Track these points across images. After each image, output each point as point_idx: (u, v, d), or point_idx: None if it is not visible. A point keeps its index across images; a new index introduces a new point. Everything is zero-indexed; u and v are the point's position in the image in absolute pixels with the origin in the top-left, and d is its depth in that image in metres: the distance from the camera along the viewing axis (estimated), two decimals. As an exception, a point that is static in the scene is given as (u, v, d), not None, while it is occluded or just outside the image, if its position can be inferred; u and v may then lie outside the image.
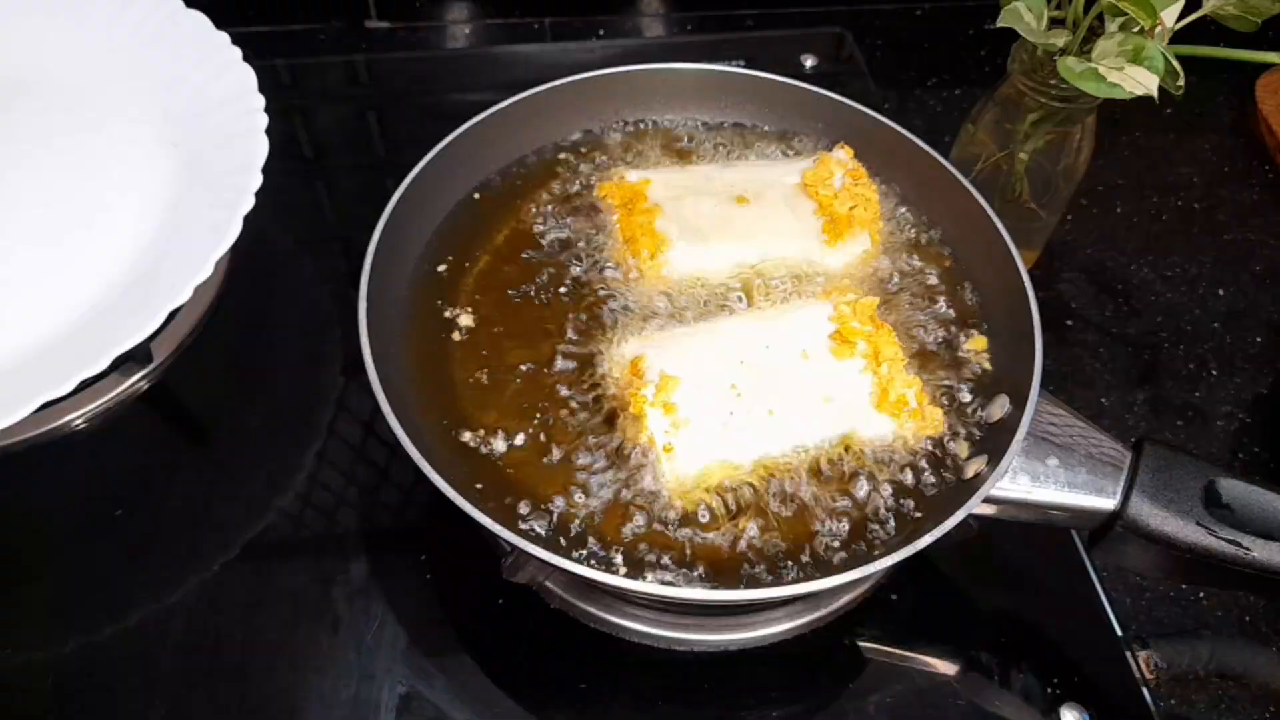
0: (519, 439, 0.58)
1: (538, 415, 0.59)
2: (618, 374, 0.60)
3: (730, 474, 0.56)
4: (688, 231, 0.66)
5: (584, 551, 0.53)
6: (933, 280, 0.67)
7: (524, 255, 0.67)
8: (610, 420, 0.58)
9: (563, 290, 0.65)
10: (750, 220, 0.67)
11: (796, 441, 0.57)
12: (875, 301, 0.61)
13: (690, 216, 0.67)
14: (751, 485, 0.56)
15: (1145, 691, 0.60)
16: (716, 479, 0.56)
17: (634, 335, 0.62)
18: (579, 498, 0.55)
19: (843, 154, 0.70)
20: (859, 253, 0.67)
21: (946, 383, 0.61)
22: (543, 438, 0.58)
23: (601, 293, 0.64)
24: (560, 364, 0.61)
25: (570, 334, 0.63)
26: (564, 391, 0.60)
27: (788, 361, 0.59)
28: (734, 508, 0.55)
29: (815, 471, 0.57)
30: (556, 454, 0.57)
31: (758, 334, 0.61)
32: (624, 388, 0.59)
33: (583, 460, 0.57)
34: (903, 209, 0.71)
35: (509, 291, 0.65)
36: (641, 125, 0.76)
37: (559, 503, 0.55)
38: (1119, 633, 0.62)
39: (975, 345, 0.63)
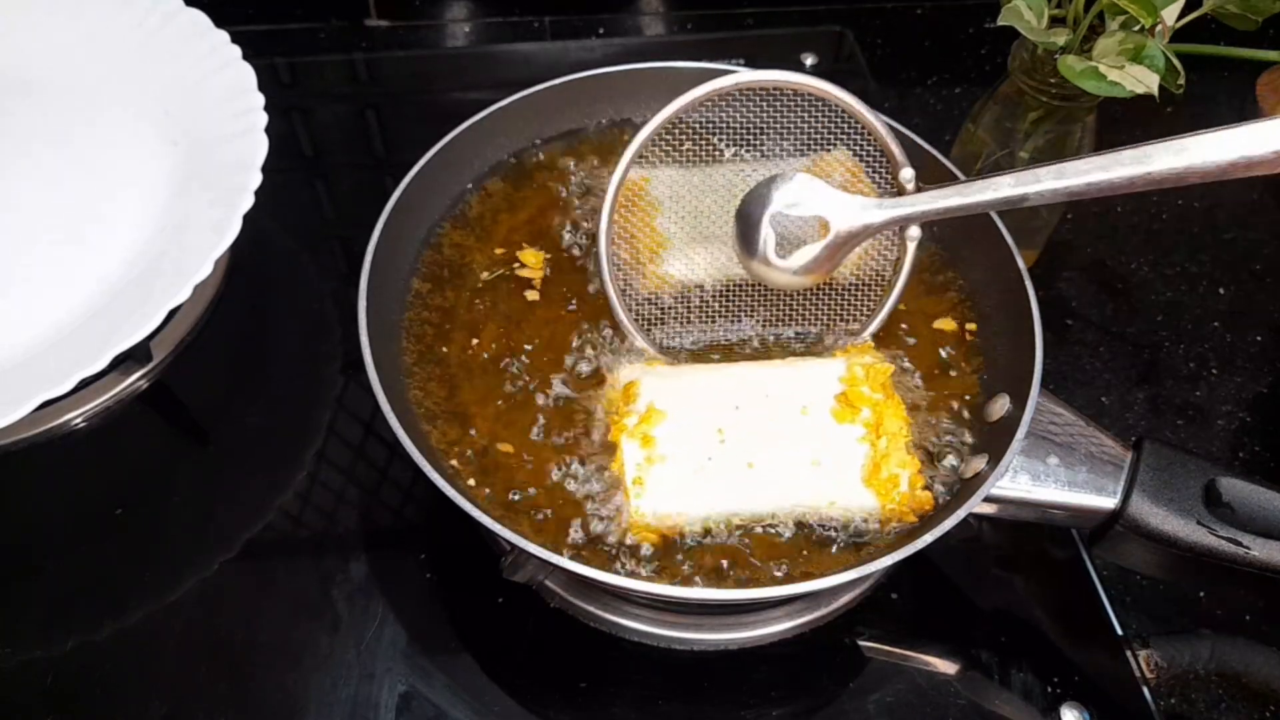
0: (518, 439, 0.58)
1: (538, 416, 0.59)
2: (613, 395, 0.59)
3: (690, 527, 0.54)
4: (687, 230, 0.66)
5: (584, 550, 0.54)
6: (931, 279, 0.67)
7: (524, 254, 0.67)
8: (602, 434, 0.58)
9: (565, 290, 0.65)
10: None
11: (771, 501, 0.55)
12: (890, 369, 0.59)
13: (690, 215, 0.67)
14: (709, 534, 0.54)
15: (1145, 690, 0.60)
16: (677, 525, 0.54)
17: (638, 358, 0.61)
18: (561, 501, 0.55)
19: (840, 153, 0.69)
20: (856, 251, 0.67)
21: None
22: (540, 439, 0.58)
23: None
24: (561, 371, 0.61)
25: (573, 340, 0.63)
26: (564, 394, 0.60)
27: (784, 415, 0.57)
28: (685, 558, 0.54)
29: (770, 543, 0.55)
30: (550, 455, 0.57)
31: (762, 381, 0.59)
32: (609, 411, 0.58)
33: (574, 468, 0.57)
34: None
35: (510, 291, 0.65)
36: (641, 124, 0.76)
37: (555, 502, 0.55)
38: (1119, 632, 0.62)
39: (944, 326, 0.63)
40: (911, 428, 0.58)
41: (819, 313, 0.64)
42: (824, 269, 0.59)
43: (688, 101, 0.63)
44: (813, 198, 0.58)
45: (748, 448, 0.56)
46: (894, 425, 0.56)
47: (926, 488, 0.56)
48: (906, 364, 0.62)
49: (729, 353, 0.63)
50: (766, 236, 0.58)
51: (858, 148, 0.63)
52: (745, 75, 0.62)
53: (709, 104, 0.63)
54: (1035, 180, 0.53)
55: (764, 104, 0.64)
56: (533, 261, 0.67)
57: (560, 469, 0.57)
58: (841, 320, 0.64)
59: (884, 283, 0.64)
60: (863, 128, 0.62)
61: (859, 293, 0.64)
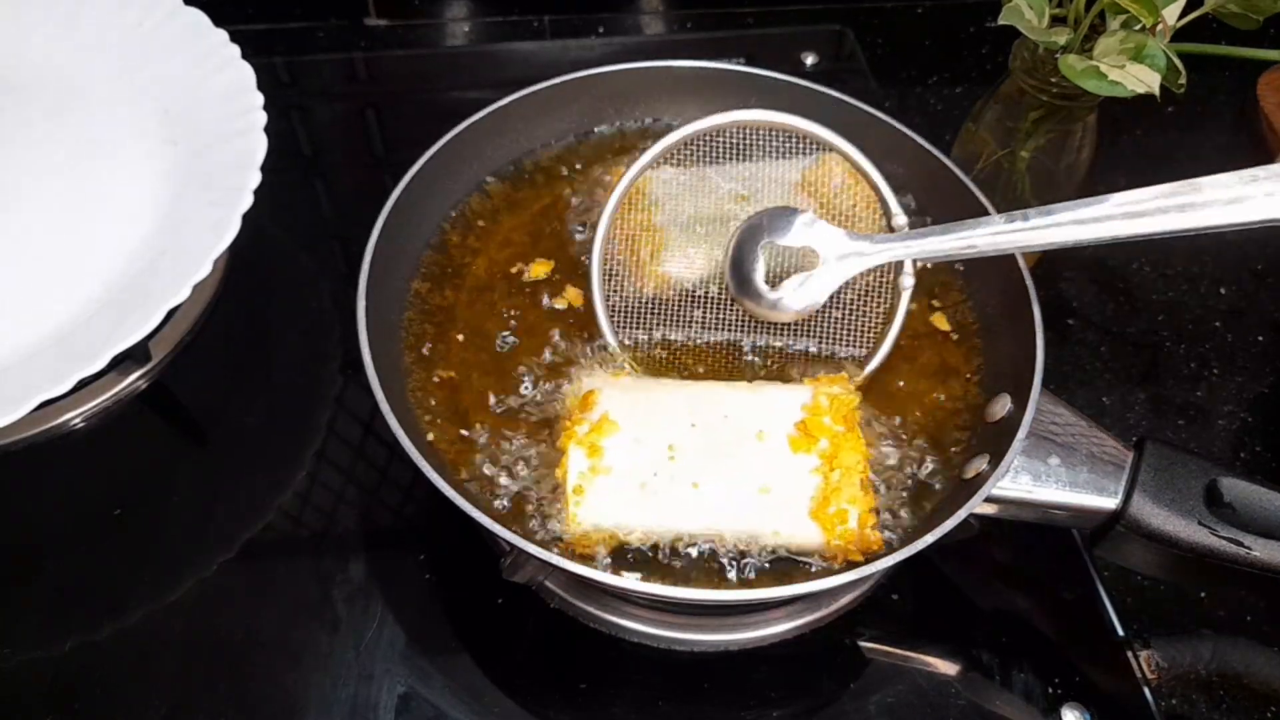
0: (517, 438, 0.58)
1: (535, 416, 0.59)
2: (571, 402, 0.59)
3: (629, 538, 0.54)
4: (683, 229, 0.65)
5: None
6: (932, 278, 0.67)
7: (525, 254, 0.67)
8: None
9: (566, 291, 0.65)
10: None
11: (712, 524, 0.54)
12: (855, 401, 0.57)
13: (688, 214, 0.66)
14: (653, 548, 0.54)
15: (1146, 691, 0.60)
16: (615, 537, 0.54)
17: (608, 366, 0.61)
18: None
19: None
20: None
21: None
22: (537, 438, 0.58)
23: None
24: (552, 372, 0.61)
25: (559, 342, 0.63)
26: (547, 397, 0.60)
27: (740, 438, 0.55)
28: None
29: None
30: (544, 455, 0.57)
31: (722, 401, 0.57)
32: (563, 417, 0.58)
33: (524, 473, 0.57)
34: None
35: (510, 291, 0.65)
36: (642, 123, 0.76)
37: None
38: (1120, 632, 0.62)
39: (944, 326, 0.63)
40: (869, 463, 0.56)
41: (814, 333, 0.63)
42: (812, 302, 0.59)
43: (680, 137, 0.64)
44: (804, 230, 0.59)
45: (696, 467, 0.54)
46: (850, 459, 0.54)
47: (879, 527, 0.54)
48: (904, 360, 0.62)
49: (711, 363, 0.62)
50: (757, 265, 0.59)
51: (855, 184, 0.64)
52: (748, 115, 0.64)
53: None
54: (1024, 220, 0.54)
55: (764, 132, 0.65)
56: (541, 272, 0.67)
57: (526, 469, 0.57)
58: (839, 344, 0.63)
59: (876, 329, 0.63)
60: (861, 174, 0.64)
61: (855, 321, 0.63)
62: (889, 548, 0.54)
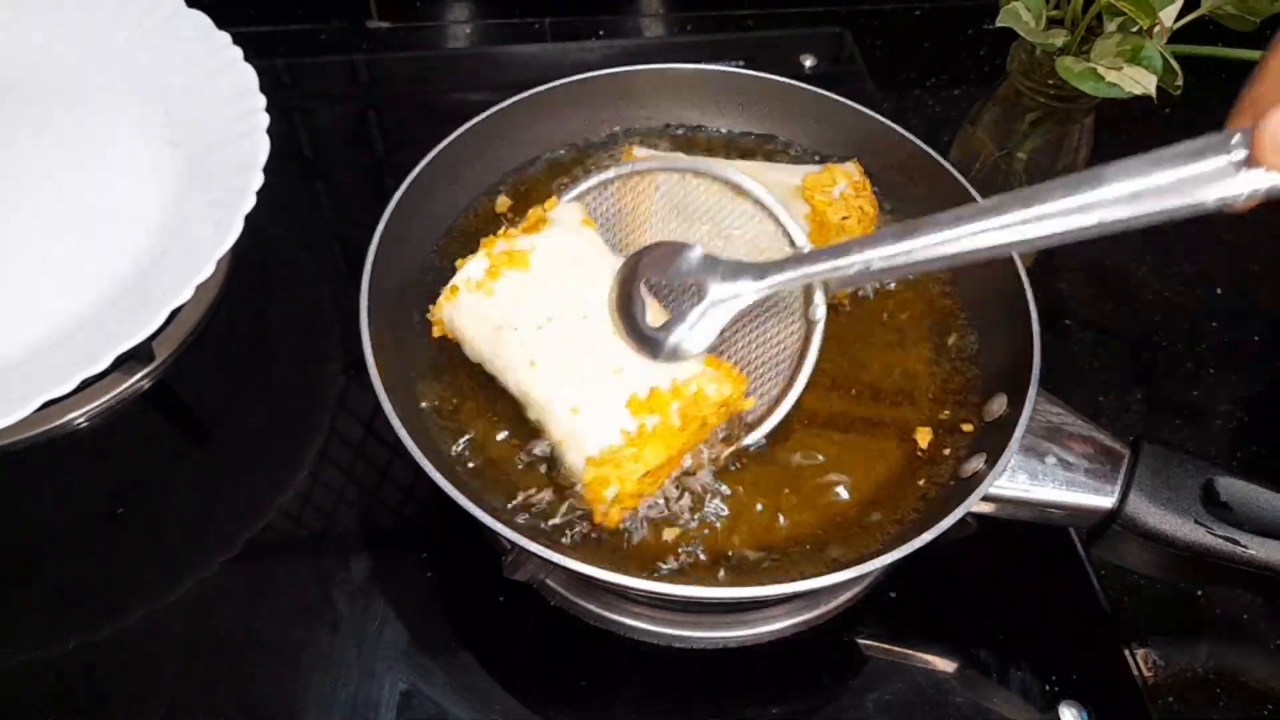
0: (517, 438, 0.58)
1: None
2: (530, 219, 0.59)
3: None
4: (674, 213, 0.66)
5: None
6: (929, 278, 0.67)
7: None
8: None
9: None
10: (739, 212, 0.67)
11: (520, 393, 0.56)
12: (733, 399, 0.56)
13: (682, 197, 0.66)
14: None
15: (1144, 689, 0.60)
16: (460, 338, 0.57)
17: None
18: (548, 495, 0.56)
19: (852, 166, 0.69)
20: None
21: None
22: (540, 437, 0.58)
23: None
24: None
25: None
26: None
27: (601, 360, 0.55)
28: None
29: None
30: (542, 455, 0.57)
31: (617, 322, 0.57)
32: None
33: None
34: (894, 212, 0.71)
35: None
36: (643, 125, 0.76)
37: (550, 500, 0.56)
38: (1117, 630, 0.62)
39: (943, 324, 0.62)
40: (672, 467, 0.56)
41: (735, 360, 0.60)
42: (702, 341, 0.55)
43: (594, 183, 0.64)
44: (689, 262, 0.55)
45: (546, 351, 0.55)
46: (657, 453, 0.53)
47: (625, 516, 0.55)
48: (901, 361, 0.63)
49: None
50: (642, 304, 0.55)
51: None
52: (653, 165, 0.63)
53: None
54: (916, 231, 0.50)
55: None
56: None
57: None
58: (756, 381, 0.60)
59: (786, 372, 0.59)
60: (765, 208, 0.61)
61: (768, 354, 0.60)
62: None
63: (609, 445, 0.53)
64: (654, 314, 0.55)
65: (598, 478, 0.52)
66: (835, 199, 0.66)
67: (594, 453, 0.53)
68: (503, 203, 0.69)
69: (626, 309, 0.56)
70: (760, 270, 0.54)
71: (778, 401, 0.59)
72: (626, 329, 0.56)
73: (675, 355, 0.55)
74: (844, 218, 0.66)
